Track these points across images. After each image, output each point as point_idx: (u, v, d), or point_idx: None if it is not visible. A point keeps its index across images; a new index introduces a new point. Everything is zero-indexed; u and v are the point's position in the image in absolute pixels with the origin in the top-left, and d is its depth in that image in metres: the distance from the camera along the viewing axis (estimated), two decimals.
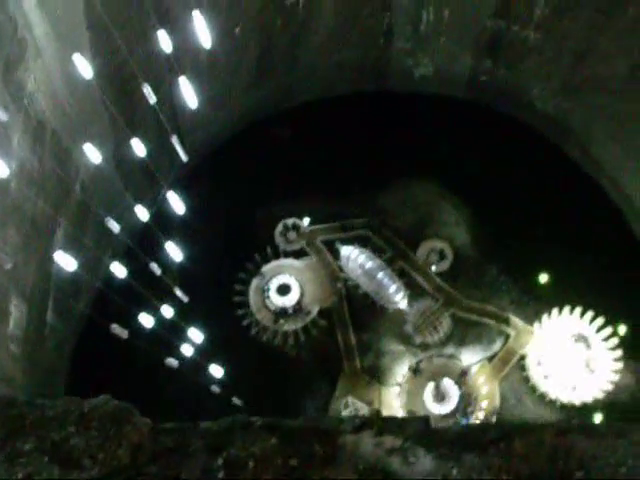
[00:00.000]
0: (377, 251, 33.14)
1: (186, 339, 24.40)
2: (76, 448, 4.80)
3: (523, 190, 34.42)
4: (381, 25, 34.77)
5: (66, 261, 18.36)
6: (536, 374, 31.04)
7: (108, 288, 22.69)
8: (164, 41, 18.15)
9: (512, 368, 31.58)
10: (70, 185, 24.81)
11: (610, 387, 29.89)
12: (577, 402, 30.19)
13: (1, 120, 15.86)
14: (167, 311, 23.05)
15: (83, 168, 24.76)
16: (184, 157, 21.79)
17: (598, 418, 30.31)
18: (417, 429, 5.18)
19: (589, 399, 30.02)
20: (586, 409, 30.36)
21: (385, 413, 30.92)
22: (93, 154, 18.82)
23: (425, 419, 5.43)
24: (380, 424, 5.17)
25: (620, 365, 30.22)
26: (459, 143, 35.68)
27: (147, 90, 18.59)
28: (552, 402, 30.80)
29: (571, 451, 4.85)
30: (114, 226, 20.12)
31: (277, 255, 34.06)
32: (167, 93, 26.08)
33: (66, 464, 4.68)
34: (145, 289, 22.65)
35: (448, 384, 30.50)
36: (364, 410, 30.63)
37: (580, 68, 31.88)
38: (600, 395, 29.91)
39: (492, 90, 36.96)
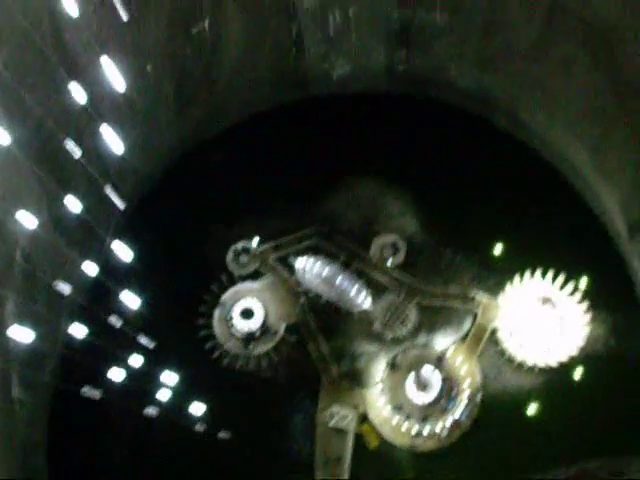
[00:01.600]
0: (331, 257, 33.11)
1: (160, 384, 24.01)
2: None
3: (460, 169, 34.80)
4: (290, 35, 34.79)
5: (22, 334, 17.89)
6: (511, 344, 31.34)
7: (71, 350, 22.15)
8: (77, 92, 17.85)
9: (486, 344, 31.82)
10: (11, 256, 24.14)
11: (583, 342, 30.33)
12: (554, 364, 30.54)
13: None
14: (136, 361, 22.65)
15: (21, 236, 24.11)
16: (121, 204, 21.49)
17: (578, 374, 30.75)
18: None
19: (565, 358, 30.41)
20: (565, 368, 30.76)
21: (371, 413, 30.87)
22: (28, 220, 18.39)
23: None
24: None
25: (589, 317, 30.71)
26: (390, 136, 35.91)
27: (70, 145, 18.30)
28: (531, 369, 31.11)
29: None
30: (64, 288, 19.74)
31: (233, 281, 33.73)
32: (91, 144, 25.56)
33: None
34: (109, 344, 22.21)
35: (428, 372, 30.52)
36: (351, 416, 30.50)
37: (490, 40, 32.38)
38: (575, 351, 30.33)
39: (412, 77, 37.27)
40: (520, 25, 30.25)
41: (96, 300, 23.78)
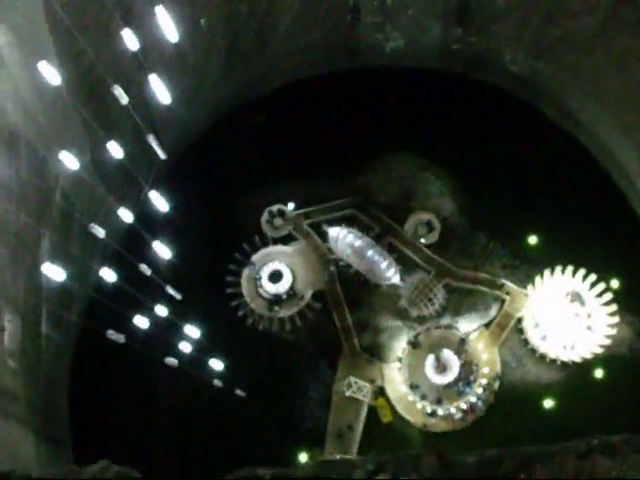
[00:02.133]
0: (365, 229, 33.02)
1: (183, 336, 24.22)
2: None
3: (503, 154, 34.30)
4: (347, 2, 34.30)
5: (54, 272, 18.09)
6: (534, 336, 31.11)
7: (100, 294, 22.37)
8: (130, 40, 17.75)
9: (510, 332, 31.64)
10: (50, 195, 24.39)
11: (608, 342, 29.98)
12: (577, 359, 30.27)
13: None
14: (161, 311, 22.82)
15: (62, 176, 24.34)
16: (162, 155, 21.47)
17: (599, 373, 30.45)
18: (432, 467, 4.98)
19: (588, 355, 30.11)
20: (586, 365, 30.49)
21: (388, 389, 30.94)
22: (70, 161, 18.46)
23: (440, 455, 5.21)
24: (393, 467, 4.96)
25: (616, 319, 30.31)
26: (436, 114, 35.43)
27: (118, 91, 18.24)
28: (553, 362, 30.89)
29: (594, 474, 4.63)
30: (99, 231, 19.83)
31: (266, 243, 33.82)
32: (139, 92, 25.57)
33: None
34: (137, 291, 22.39)
35: (448, 354, 30.53)
36: (367, 388, 30.63)
37: (550, 27, 31.61)
38: (599, 350, 30.00)
39: (465, 58, 36.64)
40: (582, 14, 29.46)
41: (129, 247, 23.82)
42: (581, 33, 30.37)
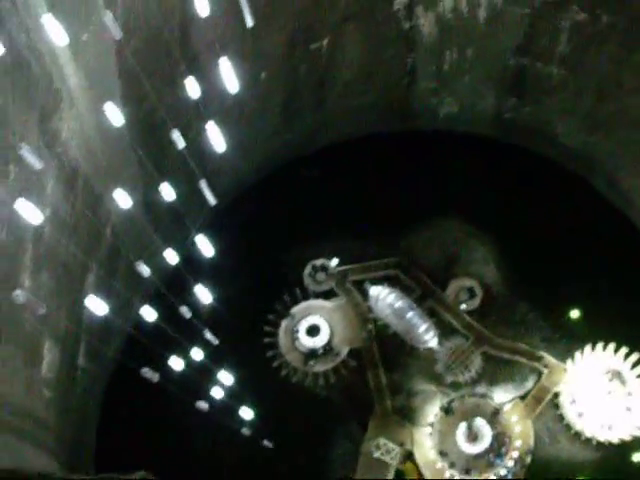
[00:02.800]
0: (406, 290, 32.96)
1: (216, 382, 24.29)
2: None
3: (551, 225, 34.16)
4: (405, 65, 34.99)
5: (97, 305, 18.41)
6: (570, 412, 30.41)
7: (138, 332, 22.67)
8: (192, 87, 18.35)
9: (545, 406, 30.99)
10: (101, 230, 25.05)
11: None
12: (614, 440, 29.45)
13: (35, 168, 16.08)
14: (197, 354, 22.97)
15: (114, 213, 25.00)
16: (212, 200, 21.86)
17: (637, 457, 29.54)
18: None
19: (626, 437, 29.29)
20: (624, 448, 29.62)
21: (417, 453, 30.45)
22: (123, 199, 18.93)
23: None
24: None
25: None
26: (486, 180, 35.56)
27: (176, 135, 18.77)
28: (588, 441, 30.09)
29: None
30: (144, 270, 20.18)
31: (306, 296, 33.95)
32: (195, 138, 26.27)
33: None
34: (175, 332, 22.62)
35: (481, 424, 30.01)
36: (396, 451, 30.17)
37: (604, 103, 31.76)
38: (638, 433, 29.17)
39: (517, 127, 36.90)
40: (635, 92, 29.56)
41: (171, 288, 24.18)
42: (634, 109, 30.42)
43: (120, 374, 29.21)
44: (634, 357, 30.21)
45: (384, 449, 30.15)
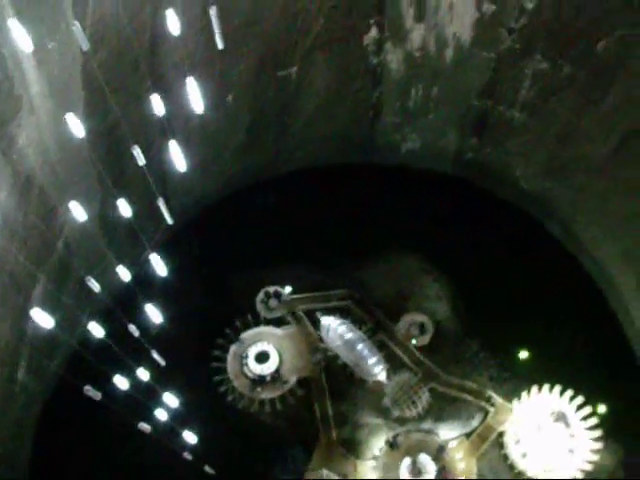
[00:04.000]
0: (358, 322, 32.91)
1: (161, 403, 23.81)
2: None
3: (505, 266, 34.55)
4: (370, 99, 35.34)
5: (43, 318, 17.92)
6: (514, 452, 30.43)
7: (84, 348, 22.15)
8: (157, 105, 18.17)
9: (490, 445, 30.98)
10: (53, 241, 24.54)
11: (589, 467, 29.33)
12: None
13: None
14: (143, 374, 22.52)
15: (68, 225, 24.55)
16: (169, 220, 21.62)
17: None
18: None
19: (568, 479, 29.39)
20: None
21: None
22: (79, 212, 18.59)
23: None
24: None
25: (599, 445, 29.73)
26: (443, 218, 35.91)
27: (137, 152, 18.51)
28: None
29: None
30: (94, 285, 19.77)
31: (257, 322, 33.66)
32: (156, 156, 26.09)
33: None
34: (122, 351, 22.16)
35: (425, 459, 29.82)
36: None
37: (563, 148, 32.44)
38: (579, 475, 29.31)
39: (477, 167, 37.46)
40: (596, 141, 30.27)
41: (121, 305, 23.73)
42: (593, 157, 31.12)
43: (62, 390, 28.44)
44: (578, 400, 30.43)
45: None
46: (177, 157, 19.54)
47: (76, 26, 14.59)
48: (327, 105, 35.28)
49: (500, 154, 35.55)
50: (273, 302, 34.03)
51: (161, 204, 20.78)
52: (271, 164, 38.24)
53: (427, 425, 31.48)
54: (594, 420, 30.09)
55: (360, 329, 32.10)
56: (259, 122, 34.27)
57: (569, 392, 30.64)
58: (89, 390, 19.33)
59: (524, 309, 33.58)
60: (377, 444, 31.09)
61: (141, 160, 18.72)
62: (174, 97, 22.64)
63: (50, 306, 21.93)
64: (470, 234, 35.27)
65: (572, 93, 29.86)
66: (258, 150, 36.45)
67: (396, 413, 31.29)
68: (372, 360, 30.68)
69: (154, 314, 22.35)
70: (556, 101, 30.77)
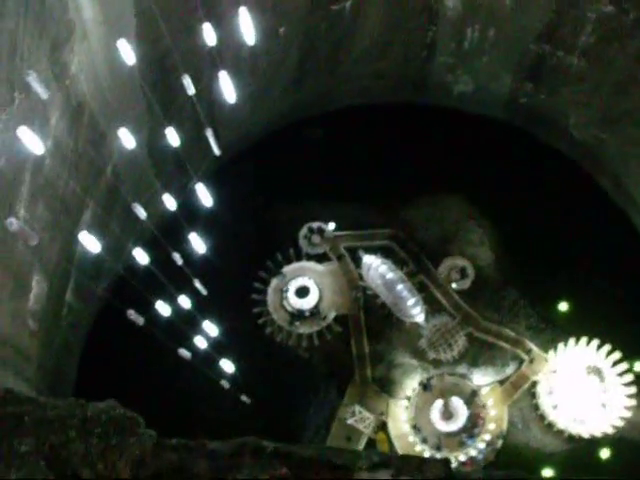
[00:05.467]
0: (399, 263, 32.75)
1: (201, 331, 24.14)
2: (75, 454, 4.43)
3: (551, 216, 33.84)
4: (425, 38, 34.29)
5: (91, 242, 18.13)
6: (546, 402, 30.44)
7: (129, 273, 22.44)
8: (209, 35, 17.82)
9: (523, 394, 31.00)
10: (102, 168, 24.64)
11: (621, 423, 29.18)
12: (585, 435, 29.51)
13: (42, 98, 15.64)
14: (185, 302, 22.77)
15: (116, 152, 24.56)
16: (217, 151, 21.48)
17: (605, 453, 29.62)
18: (436, 473, 4.78)
19: (598, 433, 29.33)
20: (594, 443, 29.69)
21: (391, 425, 30.53)
22: (128, 139, 18.58)
23: (445, 462, 5.05)
24: (398, 464, 4.77)
25: (633, 402, 29.51)
26: (491, 163, 35.11)
27: (187, 81, 18.30)
28: (560, 432, 30.15)
29: None
30: (141, 212, 19.86)
31: (299, 257, 33.74)
32: (206, 86, 25.79)
33: (62, 471, 4.31)
34: (165, 278, 22.38)
35: (457, 403, 30.05)
36: (370, 420, 30.23)
37: (620, 99, 31.22)
38: (610, 430, 29.21)
39: (529, 113, 36.36)
40: None
41: (166, 234, 23.86)
42: None
43: (106, 313, 29.01)
44: (615, 355, 30.12)
45: (359, 416, 30.22)
46: (227, 88, 19.27)
47: None
48: (380, 42, 34.37)
49: (555, 101, 34.37)
50: (316, 238, 34.06)
51: (209, 134, 20.62)
52: (321, 99, 37.66)
53: (461, 370, 31.59)
54: (630, 377, 29.82)
55: (401, 270, 31.95)
56: (310, 56, 33.61)
57: (606, 347, 30.33)
58: (132, 314, 19.62)
59: (567, 261, 33.03)
60: (410, 385, 31.35)
61: (191, 90, 18.52)
62: (226, 27, 22.23)
63: (98, 231, 22.12)
64: (517, 182, 34.48)
65: (636, 40, 28.53)
66: (309, 85, 35.87)
67: (432, 355, 31.43)
68: (411, 301, 30.67)
69: (198, 244, 22.47)
70: (618, 48, 29.43)
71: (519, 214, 34.21)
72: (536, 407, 30.90)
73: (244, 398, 27.44)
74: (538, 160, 35.79)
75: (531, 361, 31.21)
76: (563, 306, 32.88)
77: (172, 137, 19.61)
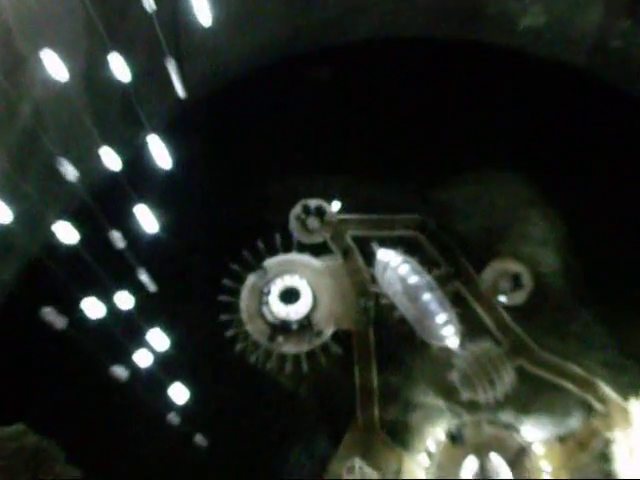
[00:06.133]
0: (427, 263, 32.90)
1: (145, 343, 24.22)
2: None
3: None
4: None
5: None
6: (625, 470, 30.66)
7: (47, 256, 22.53)
8: None
9: (591, 456, 31.23)
10: (18, 104, 24.69)
11: None
12: None
13: None
14: (125, 300, 22.83)
15: (39, 85, 24.63)
16: (181, 91, 21.60)
17: None
18: None
19: None
20: None
21: None
22: (55, 65, 18.60)
23: None
24: None
25: None
26: (565, 128, 35.17)
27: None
28: None
29: None
30: (69, 171, 19.90)
31: (288, 247, 33.87)
32: (171, 2, 25.94)
33: None
34: (99, 265, 22.46)
35: (497, 463, 30.19)
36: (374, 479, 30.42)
37: None
38: None
39: (625, 61, 36.37)
40: None
41: (104, 203, 23.89)
42: None
43: (13, 308, 29.09)
44: None
45: (359, 473, 30.36)
46: (200, 4, 19.38)
47: None
48: None
49: None
50: (313, 221, 34.06)
51: (171, 68, 20.72)
52: (331, 27, 37.72)
53: (506, 417, 31.76)
54: None
55: (430, 273, 32.05)
56: None
57: None
58: (49, 313, 19.68)
59: None
60: (434, 434, 31.51)
61: (150, 5, 18.60)
62: None
63: (7, 194, 22.22)
64: (601, 157, 34.54)
65: None
66: (314, 8, 35.91)
67: (466, 395, 31.53)
68: (441, 317, 30.73)
69: (147, 220, 22.53)
70: None
71: (601, 203, 34.31)
72: (608, 475, 31.16)
73: (199, 439, 27.62)
74: (632, 128, 35.87)
75: (605, 411, 31.45)
76: None
77: (119, 69, 19.68)
